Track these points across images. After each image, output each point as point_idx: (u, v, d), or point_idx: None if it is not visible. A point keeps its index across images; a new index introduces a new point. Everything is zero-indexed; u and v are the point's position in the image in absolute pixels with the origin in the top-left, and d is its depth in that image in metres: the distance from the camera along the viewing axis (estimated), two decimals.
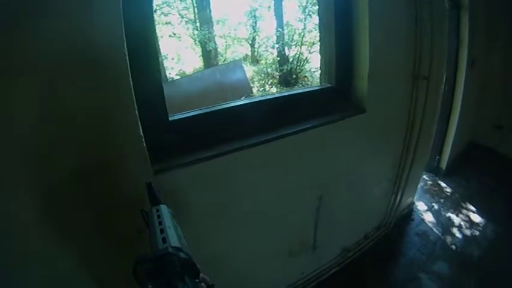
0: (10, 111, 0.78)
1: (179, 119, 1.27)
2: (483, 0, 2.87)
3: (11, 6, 0.72)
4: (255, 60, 10.60)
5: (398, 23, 1.71)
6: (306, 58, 9.20)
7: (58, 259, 0.96)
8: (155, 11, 8.31)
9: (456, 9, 2.63)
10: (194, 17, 9.10)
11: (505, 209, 2.64)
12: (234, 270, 1.52)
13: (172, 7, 8.84)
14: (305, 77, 9.38)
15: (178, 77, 8.51)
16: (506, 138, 3.42)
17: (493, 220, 2.53)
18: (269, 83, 9.48)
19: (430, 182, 3.18)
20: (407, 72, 1.88)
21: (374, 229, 2.38)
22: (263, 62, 10.20)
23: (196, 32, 9.06)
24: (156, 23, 8.12)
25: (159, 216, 0.72)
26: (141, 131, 1.00)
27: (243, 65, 8.33)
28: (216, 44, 9.23)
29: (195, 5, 8.93)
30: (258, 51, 10.57)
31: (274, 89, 9.11)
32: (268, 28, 9.81)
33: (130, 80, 0.93)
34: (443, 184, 3.14)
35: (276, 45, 9.30)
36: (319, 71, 1.92)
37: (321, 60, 1.83)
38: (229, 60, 9.44)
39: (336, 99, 1.74)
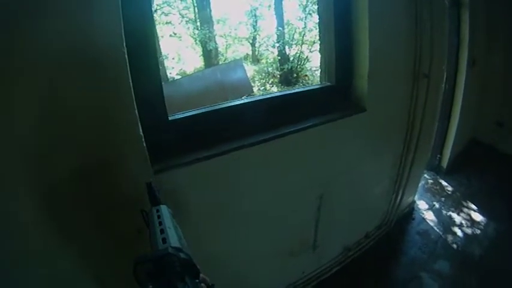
0: (10, 111, 0.78)
1: (179, 118, 1.27)
2: None
3: (11, 6, 0.72)
4: (255, 59, 10.58)
5: (398, 22, 1.70)
6: (307, 57, 9.17)
7: (58, 259, 0.97)
8: (155, 10, 8.32)
9: (456, 7, 2.62)
10: (194, 16, 9.09)
11: (506, 207, 2.63)
12: (235, 270, 1.52)
13: (172, 7, 8.83)
14: (306, 76, 9.36)
15: (179, 77, 8.50)
16: (507, 136, 3.41)
17: (494, 218, 2.53)
18: (270, 82, 9.46)
19: (431, 181, 3.17)
20: (408, 71, 1.87)
21: (375, 228, 2.37)
22: (264, 61, 10.17)
23: (196, 32, 9.05)
24: (156, 22, 8.20)
25: (159, 217, 0.72)
26: (140, 130, 1.00)
27: (243, 64, 8.32)
28: (216, 43, 9.22)
29: (195, 4, 8.92)
30: (258, 51, 10.55)
31: (275, 88, 9.09)
32: (268, 27, 9.78)
33: (130, 79, 0.93)
34: (444, 183, 3.13)
35: (277, 44, 9.27)
36: (320, 70, 1.92)
37: (321, 59, 1.83)
38: (230, 60, 9.43)
39: (336, 98, 1.74)
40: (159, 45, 8.47)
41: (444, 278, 2.05)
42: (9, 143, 0.80)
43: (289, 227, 1.69)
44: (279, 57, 9.33)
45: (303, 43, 9.02)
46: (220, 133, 1.33)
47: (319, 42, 1.97)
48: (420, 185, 2.84)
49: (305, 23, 8.83)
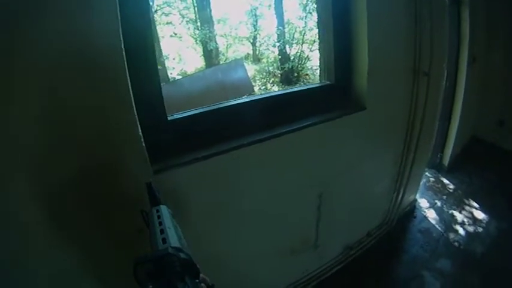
0: (11, 111, 0.79)
1: (178, 118, 1.27)
2: None
3: (11, 6, 0.73)
4: (256, 59, 10.58)
5: (397, 20, 1.70)
6: (308, 56, 9.17)
7: (58, 259, 0.97)
8: (156, 11, 8.33)
9: (456, 4, 2.61)
10: (195, 16, 9.09)
11: (508, 205, 2.61)
12: (236, 270, 1.52)
13: (173, 7, 8.85)
14: (307, 75, 9.36)
15: (180, 77, 8.51)
16: (508, 134, 3.40)
17: (496, 216, 2.51)
18: (271, 81, 9.46)
19: (433, 179, 3.16)
20: (408, 69, 1.86)
21: (376, 227, 2.37)
22: (264, 60, 10.18)
23: (197, 32, 9.05)
24: (157, 23, 8.21)
25: (159, 217, 0.72)
26: (140, 130, 1.00)
27: (244, 63, 8.33)
28: (217, 43, 9.23)
29: (195, 4, 8.93)
30: (259, 50, 10.55)
31: (276, 88, 9.08)
32: (269, 26, 9.78)
33: (128, 80, 0.94)
34: (445, 181, 3.12)
35: (277, 44, 9.28)
36: (319, 69, 1.92)
37: (320, 57, 1.83)
38: (230, 60, 9.43)
39: (335, 96, 1.74)
40: (159, 46, 8.50)
41: (446, 276, 2.05)
42: (9, 143, 0.80)
43: (290, 226, 1.69)
44: (280, 57, 9.34)
45: (303, 42, 9.01)
46: (219, 132, 1.34)
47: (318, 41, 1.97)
48: (422, 183, 2.83)
49: (305, 22, 8.83)
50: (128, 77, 0.93)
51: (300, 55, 9.14)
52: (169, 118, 1.24)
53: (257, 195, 1.46)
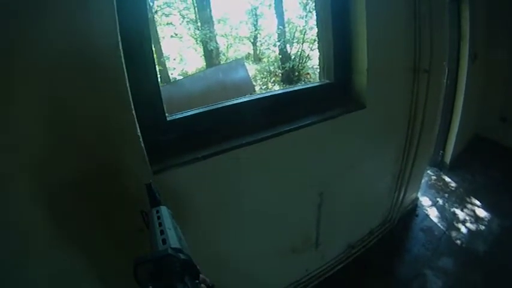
0: (10, 111, 0.79)
1: (177, 118, 1.27)
2: None
3: (11, 6, 0.73)
4: (257, 58, 10.57)
5: (396, 17, 1.70)
6: (308, 55, 9.14)
7: (59, 259, 0.97)
8: (156, 12, 8.34)
9: (456, 1, 2.60)
10: (195, 16, 9.10)
11: (510, 203, 2.61)
12: (236, 269, 1.52)
13: (173, 8, 8.85)
14: (308, 74, 9.33)
15: (181, 77, 8.52)
16: (511, 131, 3.38)
17: (498, 214, 2.51)
18: (272, 81, 9.45)
19: (435, 177, 3.15)
20: (408, 67, 1.86)
21: (378, 225, 2.37)
22: (265, 60, 10.16)
23: (197, 32, 9.05)
24: (157, 24, 8.22)
25: (159, 218, 0.72)
26: (138, 131, 1.01)
27: (245, 63, 8.32)
28: (217, 43, 9.22)
29: (195, 4, 8.93)
30: (260, 50, 10.54)
31: (277, 87, 9.06)
32: (269, 26, 9.78)
33: (127, 80, 0.94)
34: (447, 179, 3.11)
35: (278, 43, 9.27)
36: (319, 68, 1.92)
37: (319, 56, 1.82)
38: (231, 59, 9.43)
39: (335, 95, 1.74)
40: (160, 47, 8.52)
41: (448, 275, 2.04)
42: (9, 143, 0.81)
43: (290, 225, 1.69)
44: (281, 56, 9.32)
45: (304, 41, 8.99)
46: (219, 132, 1.34)
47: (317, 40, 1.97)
48: (423, 181, 2.82)
49: (306, 21, 8.81)
50: (126, 77, 0.94)
51: (300, 54, 9.12)
52: (168, 118, 1.24)
53: (257, 195, 1.46)
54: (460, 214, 2.58)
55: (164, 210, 0.76)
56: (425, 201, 2.81)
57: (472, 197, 2.77)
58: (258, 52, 10.59)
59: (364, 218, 2.24)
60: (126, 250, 0.91)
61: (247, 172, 1.37)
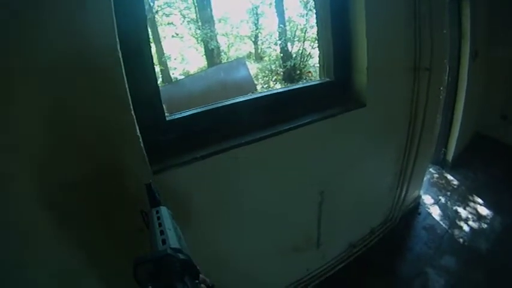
0: (10, 111, 0.79)
1: (177, 118, 1.27)
2: None
3: (11, 6, 0.73)
4: (258, 57, 10.56)
5: (396, 15, 1.69)
6: (310, 54, 9.11)
7: (58, 259, 0.98)
8: (157, 12, 8.34)
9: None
10: (196, 16, 9.10)
11: None
12: (236, 269, 1.53)
13: (173, 7, 8.86)
14: (309, 72, 9.30)
15: (182, 77, 8.52)
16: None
17: (501, 212, 2.49)
18: (273, 79, 9.43)
19: (437, 175, 3.14)
20: (408, 65, 1.85)
21: (380, 224, 2.36)
22: (266, 58, 10.15)
23: (198, 32, 9.06)
24: (158, 24, 8.23)
25: (158, 218, 0.72)
26: (138, 131, 1.01)
27: (246, 62, 8.31)
28: (218, 42, 9.23)
29: (195, 4, 8.93)
30: (261, 48, 10.53)
31: (278, 86, 9.03)
32: (270, 25, 9.76)
33: (125, 80, 0.94)
34: (449, 177, 3.10)
35: (279, 42, 9.26)
36: (319, 66, 1.91)
37: (319, 54, 1.82)
38: (232, 59, 9.43)
39: (335, 93, 1.73)
40: (161, 47, 8.53)
41: (450, 273, 2.03)
42: (10, 143, 0.81)
43: (291, 224, 1.69)
44: (282, 55, 9.31)
45: (305, 40, 8.97)
46: (218, 132, 1.34)
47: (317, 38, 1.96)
48: (425, 179, 2.81)
49: (306, 19, 8.79)
50: (125, 77, 0.94)
51: (302, 53, 9.10)
52: (168, 118, 1.25)
53: (257, 194, 1.46)
54: (463, 212, 2.57)
55: (164, 210, 0.76)
56: (427, 199, 2.80)
57: (474, 195, 2.76)
58: (259, 51, 10.58)
59: (366, 217, 2.23)
60: (126, 250, 0.91)
61: (246, 171, 1.36)
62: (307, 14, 8.70)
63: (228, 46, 10.20)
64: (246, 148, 1.29)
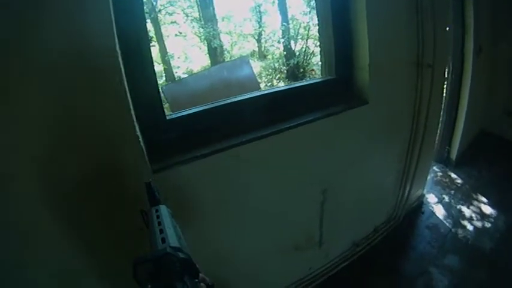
0: (10, 111, 0.80)
1: (177, 117, 1.28)
2: None
3: (11, 6, 0.74)
4: (262, 55, 10.55)
5: (398, 12, 1.67)
6: (313, 51, 9.07)
7: (58, 259, 0.98)
8: (160, 11, 8.36)
9: None
10: (199, 15, 9.10)
11: None
12: (237, 268, 1.53)
13: (176, 6, 8.87)
14: (312, 70, 9.26)
15: (185, 76, 8.54)
16: None
17: (505, 211, 2.46)
18: (277, 77, 9.41)
19: (440, 173, 3.11)
20: (411, 61, 1.83)
21: (383, 223, 2.35)
22: (270, 57, 10.12)
23: (201, 30, 9.07)
24: (161, 23, 8.26)
25: (158, 217, 0.72)
26: (138, 130, 1.01)
27: (250, 61, 8.29)
28: (221, 41, 9.22)
29: (198, 3, 8.93)
30: (264, 47, 10.52)
31: (282, 84, 9.02)
32: (273, 23, 9.74)
33: (125, 79, 0.94)
34: (453, 175, 3.06)
35: (282, 40, 9.23)
36: (321, 64, 1.90)
37: (321, 52, 1.81)
38: (236, 57, 9.42)
39: (337, 91, 1.72)
40: (164, 45, 8.55)
41: (454, 272, 2.01)
42: (9, 143, 0.81)
43: (293, 223, 1.69)
44: (285, 53, 9.28)
45: (308, 37, 8.93)
46: (219, 130, 1.34)
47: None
48: (429, 178, 2.79)
49: (310, 17, 8.75)
50: (124, 77, 0.94)
51: (305, 51, 9.05)
52: (168, 117, 1.25)
53: (258, 193, 1.45)
54: (466, 211, 2.55)
55: (163, 209, 0.76)
56: (431, 198, 2.77)
57: (478, 194, 2.73)
58: (262, 49, 10.57)
59: (369, 216, 2.22)
60: (126, 250, 0.92)
61: (246, 170, 1.36)
62: (310, 11, 8.65)
63: (231, 44, 10.20)
64: (247, 147, 1.28)
